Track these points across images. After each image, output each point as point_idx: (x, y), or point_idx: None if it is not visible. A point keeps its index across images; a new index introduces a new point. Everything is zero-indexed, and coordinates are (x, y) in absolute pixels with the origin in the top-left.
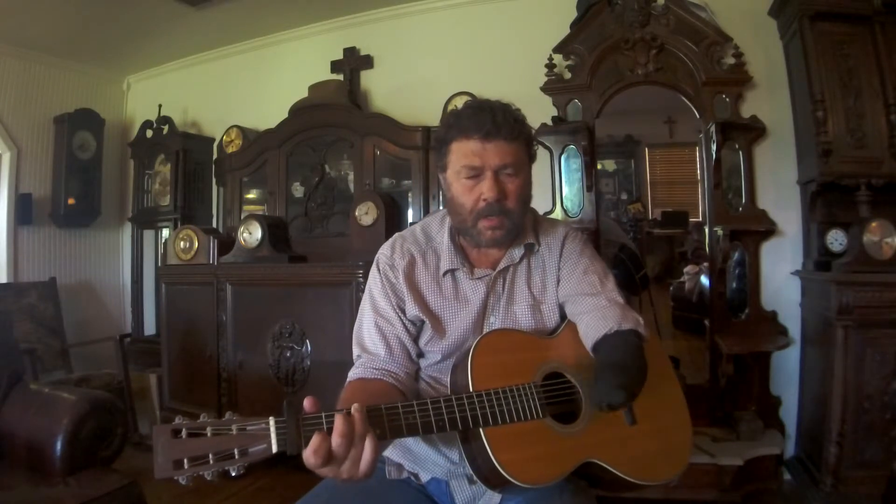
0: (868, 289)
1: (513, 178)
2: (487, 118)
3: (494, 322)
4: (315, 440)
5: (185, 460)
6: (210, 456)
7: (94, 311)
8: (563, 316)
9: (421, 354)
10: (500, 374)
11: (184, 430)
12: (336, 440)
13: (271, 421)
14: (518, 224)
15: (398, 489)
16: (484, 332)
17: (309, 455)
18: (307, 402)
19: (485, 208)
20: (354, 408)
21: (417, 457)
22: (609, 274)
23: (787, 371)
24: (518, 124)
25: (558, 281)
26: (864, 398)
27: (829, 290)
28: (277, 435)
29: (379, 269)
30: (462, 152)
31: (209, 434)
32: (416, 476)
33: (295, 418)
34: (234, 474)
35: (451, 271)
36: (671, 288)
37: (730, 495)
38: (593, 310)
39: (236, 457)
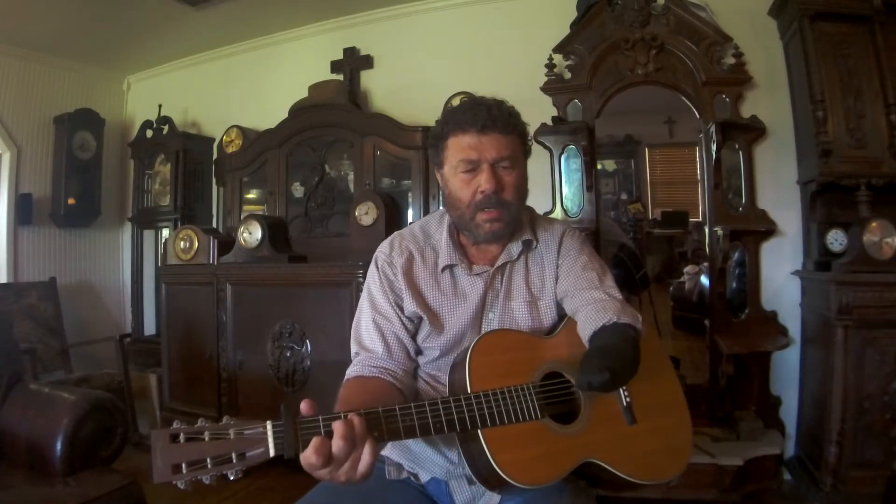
0: (868, 289)
1: (509, 171)
2: (483, 112)
3: (492, 318)
4: (316, 440)
5: (184, 465)
6: (208, 460)
7: (94, 311)
8: (560, 314)
9: (419, 352)
10: (499, 374)
11: (182, 434)
12: (337, 443)
13: (268, 425)
14: (516, 217)
15: (398, 489)
16: (483, 332)
17: (310, 454)
18: (304, 406)
19: (483, 200)
20: (352, 415)
21: (417, 457)
22: (608, 271)
23: (787, 371)
24: (513, 118)
25: (556, 278)
26: (864, 398)
27: (829, 290)
28: (275, 439)
29: (377, 267)
30: (459, 146)
31: (207, 438)
32: (415, 476)
33: (292, 422)
34: (232, 478)
35: (450, 267)
36: (671, 288)
37: (730, 495)
38: (592, 303)
39: (234, 461)
